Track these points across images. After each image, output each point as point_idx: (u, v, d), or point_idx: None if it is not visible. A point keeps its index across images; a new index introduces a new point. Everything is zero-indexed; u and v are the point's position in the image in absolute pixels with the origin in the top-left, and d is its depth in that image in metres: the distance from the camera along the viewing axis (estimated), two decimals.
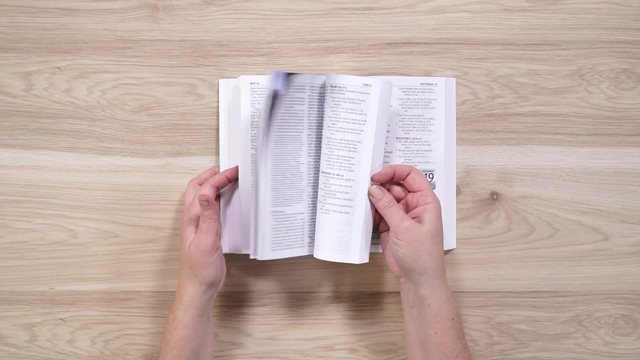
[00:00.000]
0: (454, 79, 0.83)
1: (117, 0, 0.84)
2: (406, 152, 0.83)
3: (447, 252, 0.84)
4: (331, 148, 0.76)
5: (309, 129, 0.79)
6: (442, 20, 0.84)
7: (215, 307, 0.84)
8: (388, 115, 0.77)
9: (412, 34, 0.84)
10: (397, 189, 0.78)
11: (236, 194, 0.81)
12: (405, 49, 0.84)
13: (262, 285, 0.85)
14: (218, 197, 0.81)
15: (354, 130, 0.75)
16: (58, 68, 0.84)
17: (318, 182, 0.78)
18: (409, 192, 0.77)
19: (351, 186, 0.76)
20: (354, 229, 0.76)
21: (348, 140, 0.75)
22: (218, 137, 0.83)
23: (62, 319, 0.84)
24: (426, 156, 0.83)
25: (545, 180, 0.85)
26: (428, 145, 0.83)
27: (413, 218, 0.74)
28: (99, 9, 0.84)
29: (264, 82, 0.79)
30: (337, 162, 0.76)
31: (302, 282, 0.85)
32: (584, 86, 0.85)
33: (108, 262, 0.84)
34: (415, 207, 0.75)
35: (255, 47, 0.84)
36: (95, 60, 0.84)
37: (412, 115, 0.83)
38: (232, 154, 0.82)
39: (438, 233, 0.73)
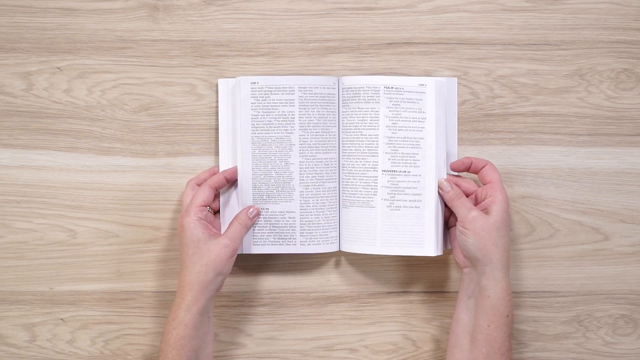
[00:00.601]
0: (455, 78, 0.83)
1: (117, 0, 0.84)
2: (394, 154, 0.82)
3: (448, 252, 0.84)
4: (394, 146, 0.79)
5: (300, 129, 0.79)
6: (442, 20, 0.84)
7: (215, 307, 0.84)
8: (444, 111, 0.81)
9: (412, 34, 0.84)
10: (465, 185, 0.80)
11: (235, 194, 0.81)
12: (405, 49, 0.84)
13: (262, 285, 0.85)
14: (217, 197, 0.81)
15: (416, 127, 0.79)
16: (58, 68, 0.84)
17: (310, 182, 0.80)
18: (479, 186, 0.79)
19: (419, 181, 0.79)
20: (427, 222, 0.79)
21: (411, 138, 0.80)
22: (218, 137, 0.83)
23: (62, 319, 0.84)
24: (416, 155, 0.81)
25: (545, 180, 0.85)
26: (417, 144, 0.81)
27: (482, 210, 0.76)
28: (99, 9, 0.84)
29: (264, 82, 0.80)
30: (403, 160, 0.80)
31: (303, 282, 0.85)
32: (584, 86, 0.85)
33: (108, 262, 0.84)
34: (484, 199, 0.77)
35: (255, 47, 0.84)
36: (95, 60, 0.84)
37: (405, 118, 0.81)
38: (231, 154, 0.82)
39: (504, 225, 0.75)
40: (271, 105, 0.80)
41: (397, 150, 0.80)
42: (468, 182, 0.80)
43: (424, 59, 0.84)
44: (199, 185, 0.79)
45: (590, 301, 0.85)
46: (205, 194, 0.77)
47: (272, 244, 0.81)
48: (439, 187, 0.79)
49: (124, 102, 0.84)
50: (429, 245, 0.80)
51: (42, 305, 0.84)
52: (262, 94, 0.80)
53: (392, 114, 0.80)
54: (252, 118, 0.80)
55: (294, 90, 0.80)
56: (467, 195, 0.79)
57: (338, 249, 0.82)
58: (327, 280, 0.85)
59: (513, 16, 0.84)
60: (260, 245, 0.81)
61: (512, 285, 0.85)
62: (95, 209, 0.84)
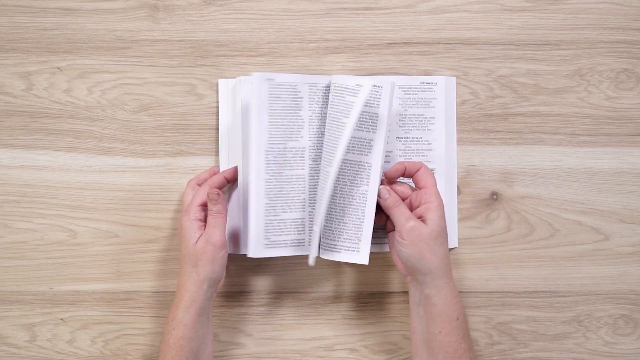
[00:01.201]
0: (454, 78, 0.83)
1: (117, 0, 0.84)
2: (406, 151, 0.83)
3: (449, 250, 0.84)
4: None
5: (310, 131, 0.80)
6: (442, 20, 0.84)
7: (215, 307, 0.84)
8: (390, 116, 0.78)
9: (412, 34, 0.84)
10: (400, 189, 0.78)
11: (235, 194, 0.81)
12: (405, 49, 0.84)
13: (262, 285, 0.85)
14: None
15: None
16: (58, 68, 0.84)
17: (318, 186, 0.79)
18: (414, 190, 0.77)
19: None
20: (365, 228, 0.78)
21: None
22: (217, 137, 0.83)
23: (62, 319, 0.84)
24: (427, 155, 0.83)
25: (545, 180, 0.85)
26: (428, 144, 0.83)
27: (418, 217, 0.74)
28: (99, 9, 0.84)
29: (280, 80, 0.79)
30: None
31: (302, 282, 0.85)
32: (584, 86, 0.85)
33: (108, 262, 0.84)
34: (418, 206, 0.75)
35: (255, 47, 0.84)
36: (95, 60, 0.84)
37: (413, 115, 0.83)
38: (231, 154, 0.82)
39: (442, 233, 0.73)
40: (281, 105, 0.79)
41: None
42: (403, 185, 0.78)
43: (424, 59, 0.84)
44: (199, 185, 0.79)
45: (590, 301, 0.85)
46: (205, 194, 0.77)
47: (283, 246, 0.80)
48: (377, 194, 0.76)
49: (124, 102, 0.84)
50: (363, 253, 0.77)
51: (42, 305, 0.84)
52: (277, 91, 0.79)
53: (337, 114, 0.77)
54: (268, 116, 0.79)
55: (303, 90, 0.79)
56: (403, 200, 0.77)
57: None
58: (327, 280, 0.85)
59: (513, 16, 0.84)
60: (272, 248, 0.79)
61: (512, 285, 0.85)
62: (95, 209, 0.84)
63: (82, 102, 0.84)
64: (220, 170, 0.81)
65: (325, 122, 0.79)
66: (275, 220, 0.78)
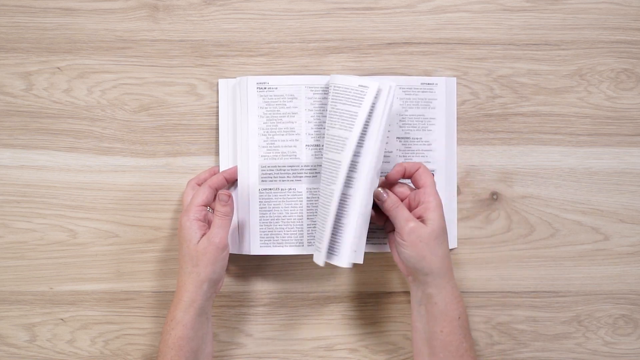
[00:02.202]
0: (455, 78, 0.83)
1: (117, 0, 0.84)
2: (406, 151, 0.83)
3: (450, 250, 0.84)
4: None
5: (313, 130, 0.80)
6: (442, 20, 0.84)
7: (215, 307, 0.84)
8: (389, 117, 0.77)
9: (412, 34, 0.84)
10: (399, 190, 0.78)
11: (235, 194, 0.81)
12: (405, 49, 0.84)
13: (262, 285, 0.85)
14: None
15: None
16: (58, 68, 0.84)
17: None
18: (412, 190, 0.77)
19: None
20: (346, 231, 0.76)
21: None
22: (217, 137, 0.83)
23: (62, 319, 0.84)
24: (426, 156, 0.83)
25: (545, 180, 0.85)
26: (428, 145, 0.83)
27: (417, 217, 0.74)
28: (99, 9, 0.84)
29: (273, 82, 0.80)
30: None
31: (302, 282, 0.85)
32: (584, 86, 0.85)
33: (108, 262, 0.84)
34: (417, 206, 0.75)
35: (255, 47, 0.84)
36: (95, 60, 0.84)
37: (413, 115, 0.83)
38: (231, 154, 0.82)
39: (442, 233, 0.73)
40: (280, 106, 0.80)
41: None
42: (402, 186, 0.78)
43: (424, 59, 0.84)
44: (199, 185, 0.79)
45: (590, 301, 0.85)
46: (205, 194, 0.77)
47: (278, 245, 0.81)
48: (375, 196, 0.75)
49: (124, 102, 0.84)
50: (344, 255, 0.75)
51: (42, 305, 0.84)
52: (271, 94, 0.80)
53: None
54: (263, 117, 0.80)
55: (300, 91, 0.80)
56: (402, 200, 0.76)
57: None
58: (327, 280, 0.85)
59: (513, 16, 0.84)
60: (266, 247, 0.81)
61: (512, 285, 0.85)
62: (95, 209, 0.84)
63: (82, 102, 0.84)
64: (220, 170, 0.81)
65: (324, 123, 0.79)
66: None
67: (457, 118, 0.84)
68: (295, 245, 0.81)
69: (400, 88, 0.82)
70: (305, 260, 0.85)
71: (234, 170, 0.80)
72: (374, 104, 0.74)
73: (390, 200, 0.75)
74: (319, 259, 0.76)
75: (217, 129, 0.84)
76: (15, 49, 0.84)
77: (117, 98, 0.84)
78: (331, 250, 0.76)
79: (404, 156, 0.83)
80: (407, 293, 0.85)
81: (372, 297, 0.85)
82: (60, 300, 0.84)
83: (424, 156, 0.82)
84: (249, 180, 0.80)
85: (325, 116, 0.79)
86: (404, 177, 0.77)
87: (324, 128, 0.78)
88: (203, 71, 0.84)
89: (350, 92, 0.75)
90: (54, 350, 0.84)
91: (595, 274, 0.85)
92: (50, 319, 0.84)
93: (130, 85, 0.84)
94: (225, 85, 0.83)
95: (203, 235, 0.75)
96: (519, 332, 0.85)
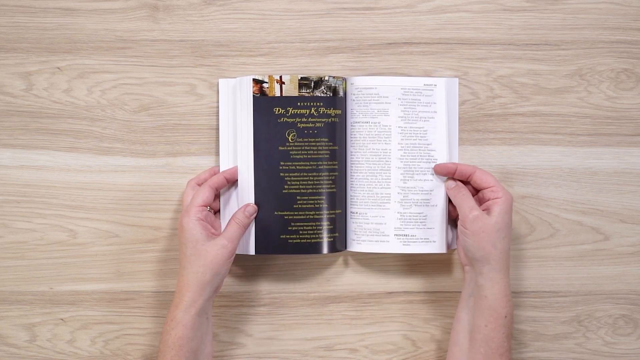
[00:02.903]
0: (457, 79, 0.83)
1: (117, 0, 0.84)
2: (408, 151, 0.82)
3: (450, 252, 0.84)
4: (405, 144, 0.82)
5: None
6: (442, 20, 0.84)
7: (215, 307, 0.84)
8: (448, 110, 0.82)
9: (412, 34, 0.84)
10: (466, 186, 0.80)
11: (234, 194, 0.81)
12: (405, 49, 0.84)
13: (262, 285, 0.85)
14: (217, 197, 0.81)
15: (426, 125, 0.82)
16: (58, 68, 0.84)
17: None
18: (478, 191, 0.79)
19: (432, 180, 0.81)
20: (437, 220, 0.82)
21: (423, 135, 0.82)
22: (217, 137, 0.83)
23: (62, 319, 0.84)
24: (428, 156, 0.82)
25: (545, 180, 0.85)
26: (430, 145, 0.82)
27: (484, 210, 0.76)
28: (99, 9, 0.84)
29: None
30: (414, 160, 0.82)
31: (303, 282, 0.85)
32: (584, 86, 0.85)
33: (108, 262, 0.84)
34: (486, 201, 0.77)
35: (255, 47, 0.84)
36: (95, 60, 0.84)
37: (414, 116, 0.82)
38: (232, 154, 0.82)
39: (505, 227, 0.74)
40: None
41: (407, 149, 0.81)
42: (467, 184, 0.80)
43: (424, 59, 0.84)
44: (199, 185, 0.79)
45: (590, 301, 0.85)
46: (205, 194, 0.77)
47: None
48: (445, 186, 0.80)
49: (124, 102, 0.84)
50: (439, 243, 0.81)
51: (42, 305, 0.84)
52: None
53: (404, 113, 0.81)
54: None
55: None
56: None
57: (344, 249, 0.83)
58: (327, 280, 0.85)
59: (513, 16, 0.84)
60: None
61: (512, 285, 0.85)
62: (95, 209, 0.84)
63: (82, 102, 0.84)
64: (221, 170, 0.81)
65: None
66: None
67: (458, 118, 0.84)
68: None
69: (401, 89, 0.82)
70: (306, 260, 0.85)
71: (234, 170, 0.80)
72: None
73: (457, 188, 0.78)
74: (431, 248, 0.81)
75: (218, 128, 0.84)
76: (15, 49, 0.84)
77: (117, 98, 0.84)
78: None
79: (406, 157, 0.82)
80: (408, 293, 0.85)
81: (372, 297, 0.85)
82: (60, 300, 0.84)
83: (426, 156, 0.82)
84: (249, 180, 0.80)
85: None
86: (453, 175, 0.80)
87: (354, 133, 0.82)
88: (203, 71, 0.84)
89: (420, 92, 0.81)
90: (54, 350, 0.84)
91: (595, 274, 0.85)
92: (50, 319, 0.84)
93: (130, 85, 0.84)
94: (225, 85, 0.82)
95: (208, 235, 0.75)
96: (519, 332, 0.85)
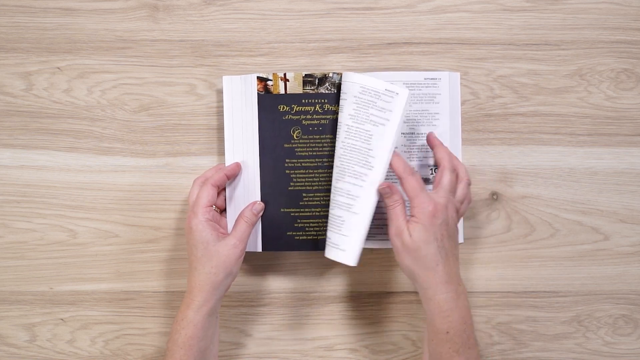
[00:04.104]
0: (458, 73, 0.82)
1: (117, 0, 0.84)
2: (411, 147, 0.82)
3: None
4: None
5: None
6: (442, 20, 0.84)
7: None
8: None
9: (412, 34, 0.84)
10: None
11: (241, 192, 0.81)
12: (405, 49, 0.84)
13: (262, 285, 0.85)
14: (221, 194, 0.80)
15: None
16: (58, 68, 0.84)
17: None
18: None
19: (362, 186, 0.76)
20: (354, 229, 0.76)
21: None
22: (217, 137, 0.83)
23: (62, 319, 0.84)
24: (431, 151, 0.82)
25: (545, 180, 0.85)
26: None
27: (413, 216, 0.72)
28: (99, 9, 0.84)
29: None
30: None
31: (303, 282, 0.85)
32: (584, 86, 0.85)
33: (108, 262, 0.84)
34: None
35: (255, 47, 0.84)
36: (95, 60, 0.84)
37: (417, 111, 0.82)
38: (237, 153, 0.81)
39: (423, 245, 0.70)
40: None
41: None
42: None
43: (424, 59, 0.84)
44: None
45: (590, 301, 0.85)
46: (209, 193, 0.76)
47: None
48: (379, 192, 0.74)
49: (124, 102, 0.84)
50: (349, 253, 0.75)
51: (42, 305, 0.84)
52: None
53: (356, 112, 0.76)
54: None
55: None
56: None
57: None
58: (327, 280, 0.85)
59: (513, 16, 0.84)
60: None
61: (512, 285, 0.85)
62: (95, 209, 0.84)
63: (82, 102, 0.84)
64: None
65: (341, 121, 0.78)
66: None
67: (460, 115, 0.84)
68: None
69: (403, 83, 0.81)
70: (306, 260, 0.85)
71: (234, 166, 0.80)
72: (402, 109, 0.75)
73: (392, 199, 0.73)
74: (344, 258, 0.75)
75: (218, 128, 0.84)
76: (15, 49, 0.84)
77: (117, 98, 0.84)
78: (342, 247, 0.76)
79: (409, 151, 0.82)
80: (408, 293, 0.85)
81: (372, 297, 0.85)
82: (60, 300, 0.84)
83: (429, 151, 0.82)
84: (255, 178, 0.80)
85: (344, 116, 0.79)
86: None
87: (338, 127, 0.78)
88: (203, 71, 0.84)
89: (379, 96, 0.75)
90: (54, 350, 0.84)
91: (595, 274, 0.85)
92: (50, 319, 0.84)
93: (130, 85, 0.84)
94: (229, 82, 0.82)
95: (218, 235, 0.75)
96: (519, 332, 0.85)
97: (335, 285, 0.85)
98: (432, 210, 0.70)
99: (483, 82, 0.85)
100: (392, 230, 0.72)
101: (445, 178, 0.73)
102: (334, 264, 0.85)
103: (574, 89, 0.85)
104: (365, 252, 0.84)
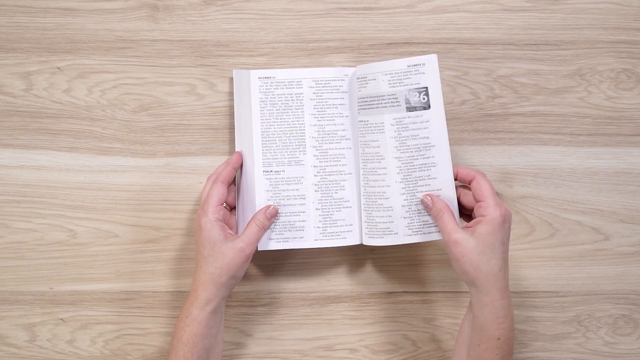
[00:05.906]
0: (435, 55, 0.76)
1: (117, 0, 0.84)
2: (401, 130, 0.78)
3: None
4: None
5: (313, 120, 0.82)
6: (442, 20, 0.84)
7: None
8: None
9: (412, 34, 0.84)
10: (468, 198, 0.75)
11: (247, 190, 0.80)
12: (405, 49, 0.84)
13: (262, 285, 0.85)
14: (230, 190, 0.80)
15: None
16: (58, 68, 0.84)
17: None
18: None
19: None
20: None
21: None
22: (218, 137, 0.83)
23: (62, 319, 0.84)
24: (424, 136, 0.78)
25: (545, 180, 0.85)
26: (426, 122, 0.77)
27: (473, 226, 0.72)
28: (99, 9, 0.84)
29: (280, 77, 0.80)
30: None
31: (303, 282, 0.85)
32: (584, 86, 0.85)
33: (108, 262, 0.84)
34: (478, 214, 0.73)
35: (255, 47, 0.84)
36: (95, 60, 0.84)
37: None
38: (246, 148, 0.80)
39: (489, 248, 0.70)
40: (277, 99, 0.80)
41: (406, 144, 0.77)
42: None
43: None
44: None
45: (590, 301, 0.85)
46: (219, 192, 0.76)
47: (285, 240, 0.79)
48: (422, 202, 0.76)
49: (124, 102, 0.84)
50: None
51: (42, 305, 0.84)
52: (271, 87, 0.80)
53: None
54: (260, 110, 0.80)
55: (301, 84, 0.80)
56: (471, 209, 0.74)
57: (360, 242, 0.80)
58: (327, 280, 0.85)
59: (513, 16, 0.84)
60: (275, 241, 0.79)
61: (512, 285, 0.85)
62: (95, 209, 0.84)
63: (82, 102, 0.84)
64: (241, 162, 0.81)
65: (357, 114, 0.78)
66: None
67: (457, 118, 0.84)
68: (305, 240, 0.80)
69: (386, 74, 0.78)
70: (305, 260, 0.85)
71: (237, 156, 0.79)
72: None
73: (436, 208, 0.74)
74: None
75: (218, 128, 0.84)
76: (15, 49, 0.84)
77: (117, 98, 0.84)
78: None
79: (399, 139, 0.78)
80: (408, 293, 0.85)
81: (372, 297, 0.85)
82: (60, 300, 0.84)
83: (422, 136, 0.78)
84: (258, 173, 0.79)
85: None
86: (456, 179, 0.76)
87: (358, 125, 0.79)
88: (203, 71, 0.84)
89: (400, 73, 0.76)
90: (54, 350, 0.84)
91: (595, 274, 0.85)
92: (50, 319, 0.84)
93: (130, 85, 0.84)
94: (239, 76, 0.81)
95: (226, 236, 0.74)
96: (519, 331, 0.85)
97: (335, 285, 0.85)
98: (503, 214, 0.71)
99: (483, 82, 0.85)
100: (448, 239, 0.71)
101: (489, 185, 0.73)
102: (334, 264, 0.85)
103: (574, 89, 0.85)
104: (366, 252, 0.84)
